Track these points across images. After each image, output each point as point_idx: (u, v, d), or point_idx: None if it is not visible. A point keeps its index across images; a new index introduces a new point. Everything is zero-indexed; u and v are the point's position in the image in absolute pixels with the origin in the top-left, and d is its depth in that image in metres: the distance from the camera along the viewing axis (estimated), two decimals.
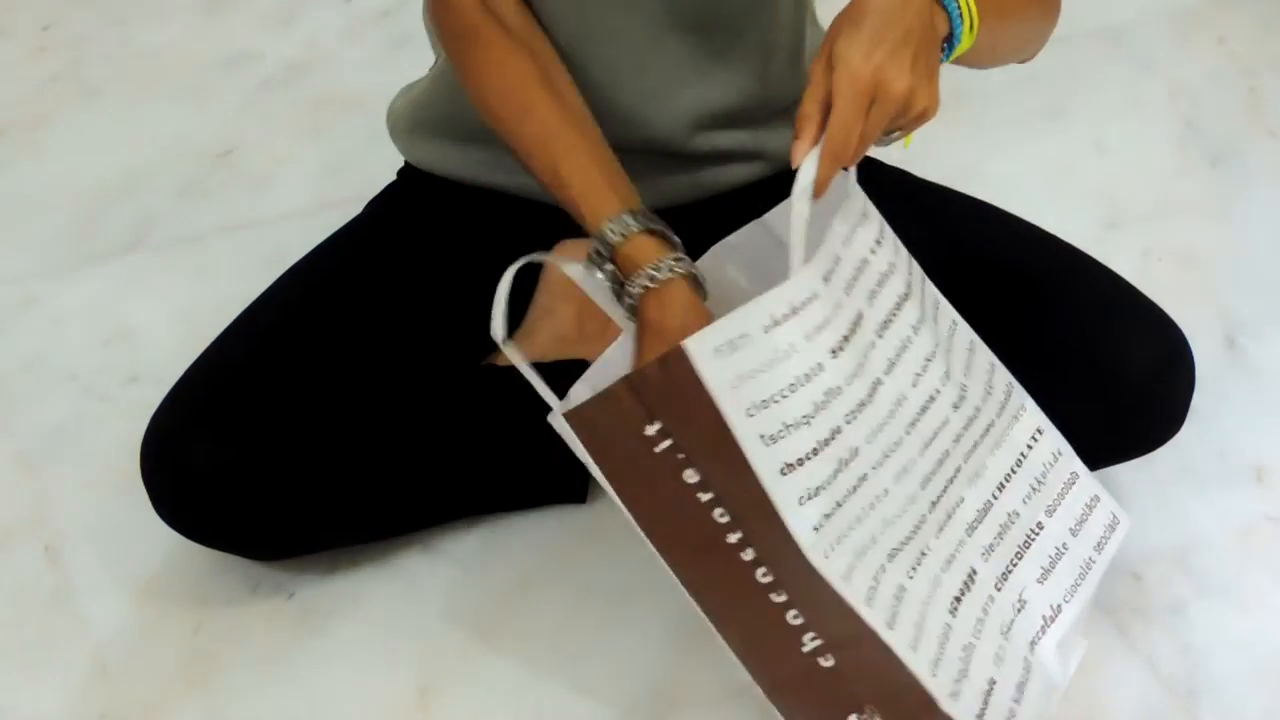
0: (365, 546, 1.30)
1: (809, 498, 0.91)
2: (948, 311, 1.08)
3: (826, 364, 0.92)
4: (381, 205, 1.37)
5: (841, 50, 0.96)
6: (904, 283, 1.01)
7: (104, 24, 2.06)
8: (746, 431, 0.89)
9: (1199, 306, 1.54)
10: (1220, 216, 1.68)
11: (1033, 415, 1.10)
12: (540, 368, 1.32)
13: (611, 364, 1.07)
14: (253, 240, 1.68)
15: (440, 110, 1.32)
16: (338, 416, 1.21)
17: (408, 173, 1.38)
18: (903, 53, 0.97)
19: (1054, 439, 1.11)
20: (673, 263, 1.05)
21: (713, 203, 1.33)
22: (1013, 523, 1.06)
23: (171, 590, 1.29)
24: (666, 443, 0.91)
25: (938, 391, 1.01)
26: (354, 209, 1.37)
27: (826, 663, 0.97)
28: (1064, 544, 1.08)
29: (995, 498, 1.05)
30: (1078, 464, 1.12)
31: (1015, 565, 1.05)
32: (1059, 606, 1.06)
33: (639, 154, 1.24)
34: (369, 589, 1.28)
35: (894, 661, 0.95)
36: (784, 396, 0.90)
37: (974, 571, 1.02)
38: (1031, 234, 1.29)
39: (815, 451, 0.91)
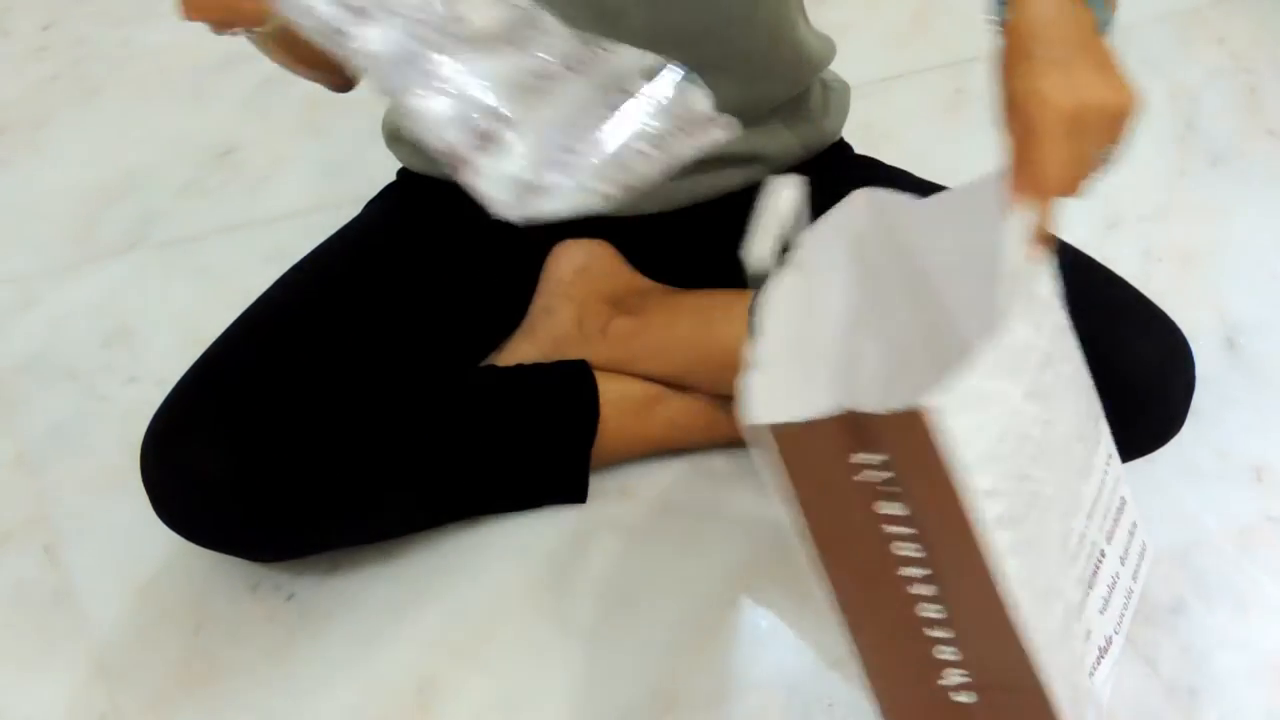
0: (365, 547, 1.30)
1: (1013, 549, 0.90)
2: (1069, 331, 1.05)
3: (1020, 407, 0.90)
4: (380, 206, 1.37)
5: (1026, 87, 0.92)
6: (1059, 312, 0.99)
7: (104, 24, 2.06)
8: (972, 484, 0.86)
9: (1199, 306, 1.54)
10: (1220, 216, 1.68)
11: (1107, 439, 1.08)
12: (540, 367, 1.33)
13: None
14: (253, 240, 1.68)
15: None
16: (337, 418, 1.21)
17: (406, 173, 1.38)
18: (1084, 64, 0.93)
19: (1117, 463, 1.09)
20: None
21: (712, 207, 1.33)
22: (1092, 551, 1.04)
23: (171, 591, 1.29)
24: (870, 474, 0.90)
25: (1070, 424, 0.99)
26: (354, 209, 1.37)
27: (965, 699, 0.96)
28: (1117, 573, 1.06)
29: (1086, 526, 1.03)
30: (1126, 488, 1.10)
31: (1088, 594, 1.03)
32: (1110, 638, 1.05)
33: None
34: (369, 589, 1.28)
35: (1048, 707, 0.94)
36: (1000, 443, 0.88)
37: (1069, 603, 1.00)
38: None
39: (1016, 496, 0.90)
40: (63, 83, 1.96)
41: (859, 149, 1.42)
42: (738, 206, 1.34)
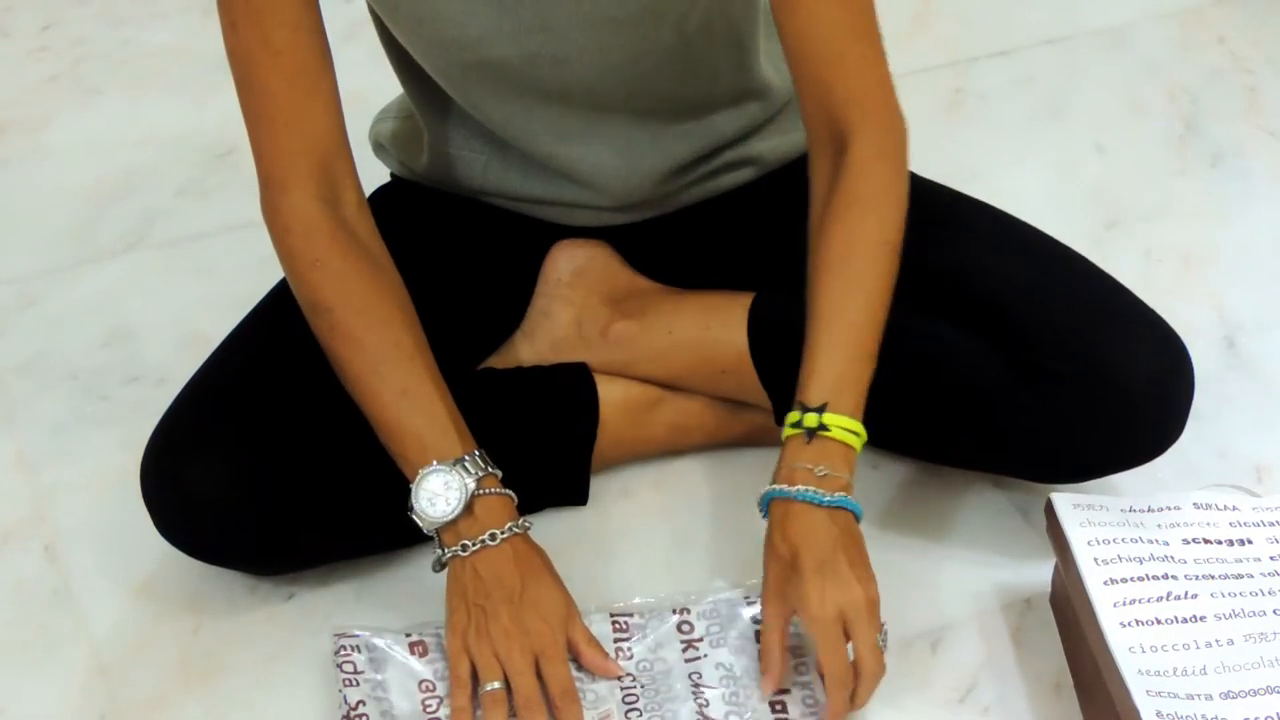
0: None
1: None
2: None
3: None
4: (374, 211, 1.36)
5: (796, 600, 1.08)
6: None
7: (104, 24, 2.06)
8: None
9: (1199, 306, 1.54)
10: (1220, 216, 1.68)
11: None
12: (540, 370, 1.32)
13: None
14: (253, 240, 1.66)
15: (419, 150, 1.32)
16: (335, 426, 1.19)
17: (397, 178, 1.38)
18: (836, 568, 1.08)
19: None
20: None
21: (708, 207, 1.33)
22: None
23: (171, 590, 1.29)
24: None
25: None
26: None
27: None
28: None
29: None
30: None
31: None
32: None
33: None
34: (368, 590, 1.28)
35: None
36: None
37: None
38: (1031, 239, 1.28)
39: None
40: (63, 83, 1.96)
41: None
42: (734, 207, 1.34)
